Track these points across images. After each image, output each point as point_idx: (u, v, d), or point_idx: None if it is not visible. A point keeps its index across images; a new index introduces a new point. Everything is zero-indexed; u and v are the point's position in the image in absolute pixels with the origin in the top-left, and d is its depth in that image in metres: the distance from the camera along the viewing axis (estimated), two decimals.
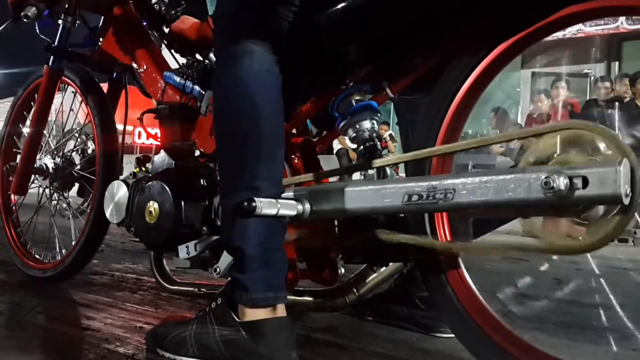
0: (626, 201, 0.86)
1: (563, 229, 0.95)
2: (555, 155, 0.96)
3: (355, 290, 1.46)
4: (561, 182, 0.88)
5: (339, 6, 1.19)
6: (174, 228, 1.36)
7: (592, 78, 7.58)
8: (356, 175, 1.31)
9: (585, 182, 0.88)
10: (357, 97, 1.26)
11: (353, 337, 1.45)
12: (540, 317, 1.76)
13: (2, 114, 2.43)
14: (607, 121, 5.58)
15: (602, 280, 1.83)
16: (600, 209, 0.91)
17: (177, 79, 1.60)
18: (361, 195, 1.11)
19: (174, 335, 1.15)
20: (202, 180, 1.41)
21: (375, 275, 1.47)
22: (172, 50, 1.80)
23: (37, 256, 2.04)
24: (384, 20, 1.16)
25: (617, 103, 5.84)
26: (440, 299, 1.14)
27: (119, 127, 1.90)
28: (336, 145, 7.74)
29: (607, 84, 6.36)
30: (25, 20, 1.80)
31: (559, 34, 1.06)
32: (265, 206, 1.08)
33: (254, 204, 1.06)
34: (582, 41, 7.73)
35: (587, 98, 6.69)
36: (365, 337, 1.46)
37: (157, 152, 1.54)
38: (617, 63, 7.88)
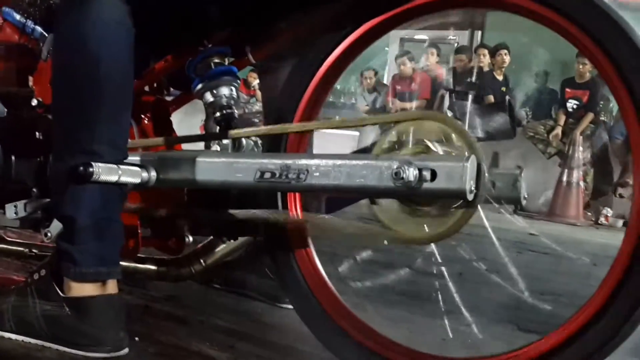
0: (470, 197, 0.89)
1: (409, 218, 0.96)
2: (408, 143, 0.96)
3: (202, 261, 1.41)
4: (410, 174, 0.88)
5: None
6: (1, 184, 1.22)
7: (456, 46, 7.88)
8: None
9: (434, 175, 0.89)
10: (217, 60, 1.19)
11: (196, 307, 1.41)
12: (386, 288, 1.81)
13: None
14: (464, 88, 5.86)
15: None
16: (447, 202, 0.93)
17: (17, 16, 1.42)
18: (212, 167, 1.06)
19: None
20: (37, 134, 1.27)
21: (224, 245, 1.42)
22: None
23: None
24: None
25: (475, 73, 6.16)
26: (285, 277, 1.13)
27: None
28: None
29: (463, 56, 6.66)
30: None
31: None
32: (104, 172, 0.99)
33: (90, 170, 0.97)
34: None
35: (450, 65, 6.98)
36: (208, 307, 1.42)
37: None
38: (479, 32, 8.22)
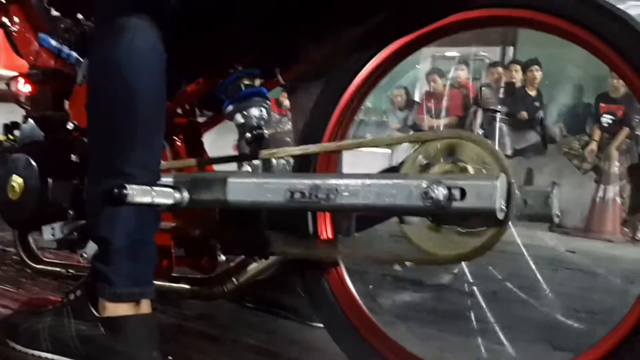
0: (500, 216, 0.88)
1: (439, 237, 0.96)
2: (437, 162, 0.96)
3: (234, 279, 1.42)
4: (440, 193, 0.88)
5: None
6: (39, 207, 1.25)
7: (487, 62, 7.83)
8: None
9: (463, 194, 0.88)
10: (247, 82, 1.20)
11: (228, 326, 1.41)
12: (416, 305, 1.80)
13: None
14: (496, 105, 5.81)
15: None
16: (477, 220, 0.92)
17: (53, 42, 1.47)
18: (243, 187, 1.07)
19: (28, 327, 1.06)
20: (73, 157, 1.30)
21: (256, 264, 1.43)
22: (53, 9, 1.66)
23: None
24: (277, 3, 1.11)
25: (508, 89, 6.09)
26: (316, 295, 1.13)
27: None
28: None
29: (495, 72, 6.61)
30: None
31: None
32: (138, 194, 1.01)
33: (124, 192, 0.98)
34: None
35: (482, 81, 6.93)
36: (240, 326, 1.42)
37: (25, 121, 1.41)
38: (512, 48, 8.17)
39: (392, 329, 1.10)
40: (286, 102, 7.66)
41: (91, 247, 1.20)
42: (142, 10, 1.06)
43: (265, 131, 1.20)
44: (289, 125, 7.40)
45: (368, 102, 1.21)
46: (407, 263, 1.01)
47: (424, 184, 0.89)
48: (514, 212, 0.90)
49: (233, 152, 1.25)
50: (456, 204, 0.88)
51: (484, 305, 1.22)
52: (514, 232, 0.91)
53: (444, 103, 6.55)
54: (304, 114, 1.21)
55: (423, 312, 1.70)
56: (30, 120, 1.39)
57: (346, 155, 1.31)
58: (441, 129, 5.97)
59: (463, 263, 0.99)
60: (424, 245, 0.96)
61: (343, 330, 1.09)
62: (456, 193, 0.88)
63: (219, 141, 2.26)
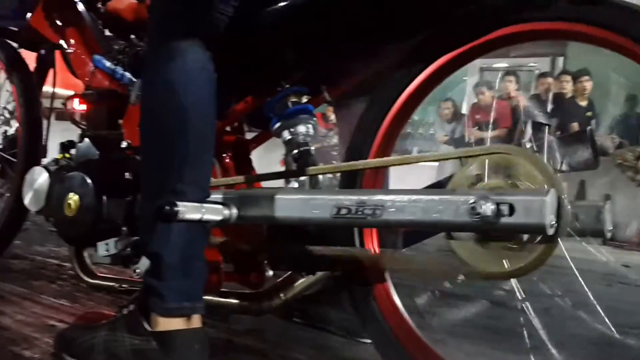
0: (550, 231, 0.86)
1: (488, 253, 0.95)
2: (485, 177, 0.95)
3: (281, 295, 1.43)
4: (488, 208, 0.87)
5: (280, 5, 1.15)
6: (94, 224, 1.29)
7: (537, 73, 7.70)
8: None
9: (512, 210, 0.87)
10: (294, 99, 1.22)
11: (276, 341, 1.42)
12: (468, 321, 1.77)
13: None
14: (546, 118, 5.70)
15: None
16: (526, 236, 0.91)
17: (107, 63, 1.52)
18: (290, 204, 1.08)
19: (83, 341, 1.09)
20: (126, 175, 1.34)
21: (303, 280, 1.44)
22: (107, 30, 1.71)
23: None
24: (325, 22, 1.13)
25: (558, 99, 5.98)
26: (363, 311, 1.13)
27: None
28: None
29: (549, 79, 6.49)
30: None
31: None
32: (189, 211, 1.03)
33: (176, 209, 1.00)
34: None
35: (531, 93, 6.82)
36: (288, 341, 1.43)
37: (80, 140, 1.46)
38: (561, 58, 8.03)
39: (441, 345, 1.09)
40: (332, 117, 7.71)
41: (144, 263, 1.23)
42: (193, 34, 1.09)
43: (312, 147, 1.21)
44: (335, 139, 7.44)
45: (414, 115, 1.21)
46: (457, 278, 1.00)
47: (472, 200, 0.88)
48: (564, 227, 0.88)
49: (280, 168, 1.27)
50: (505, 220, 0.87)
51: (536, 322, 1.19)
52: (563, 248, 0.90)
53: (492, 115, 6.47)
54: (350, 129, 1.22)
55: (473, 328, 1.68)
56: (86, 139, 1.45)
57: (393, 168, 1.31)
58: (489, 141, 5.89)
59: (513, 280, 0.97)
60: (473, 261, 0.95)
61: (390, 347, 1.09)
62: (504, 209, 0.87)
63: (265, 157, 2.29)
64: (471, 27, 1.01)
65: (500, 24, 0.98)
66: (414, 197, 0.95)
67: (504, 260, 0.93)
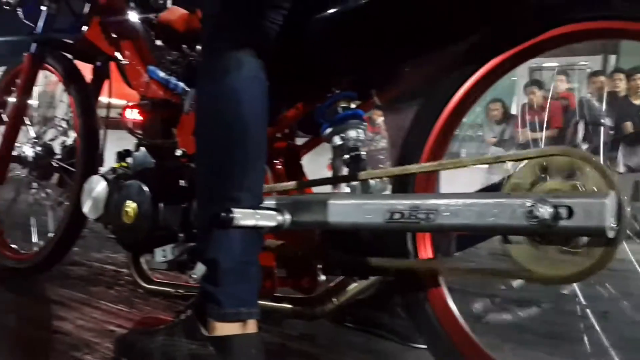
0: (611, 234, 0.84)
1: (546, 257, 0.93)
2: (541, 180, 0.94)
3: (334, 300, 1.43)
4: (545, 212, 0.86)
5: (329, 12, 1.16)
6: (151, 230, 1.32)
7: (589, 71, 7.50)
8: None
9: (570, 213, 0.85)
10: (344, 104, 1.23)
11: (329, 346, 1.43)
12: (522, 327, 1.74)
13: None
14: (600, 116, 5.53)
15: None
16: (585, 239, 0.89)
17: (162, 74, 1.56)
18: (343, 209, 1.08)
19: (142, 346, 1.12)
20: (182, 182, 1.37)
21: (355, 285, 1.44)
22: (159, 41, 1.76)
23: (13, 246, 2.00)
24: (375, 28, 1.13)
25: (611, 98, 5.81)
26: (418, 316, 1.12)
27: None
28: None
29: (602, 78, 6.31)
30: (6, 7, 1.75)
31: None
32: (244, 217, 1.05)
33: (231, 215, 1.02)
34: None
35: (583, 92, 6.65)
36: (341, 346, 1.43)
37: (137, 149, 1.50)
38: (614, 56, 7.80)
39: (496, 350, 1.07)
40: (379, 120, 7.69)
41: (200, 269, 1.25)
42: (245, 43, 1.11)
43: (363, 152, 1.21)
44: (382, 143, 7.42)
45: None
46: (514, 283, 0.99)
47: (529, 203, 0.87)
48: (625, 230, 0.86)
49: (327, 173, 1.27)
50: (563, 223, 0.86)
51: (596, 326, 1.16)
52: (628, 250, 0.87)
53: (544, 115, 6.32)
54: (400, 133, 1.22)
55: (529, 333, 1.65)
56: (142, 148, 1.48)
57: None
58: (541, 142, 5.76)
59: (573, 284, 0.95)
60: (530, 265, 0.93)
61: (445, 352, 1.08)
62: (563, 212, 0.85)
63: (313, 162, 2.30)
64: (525, 27, 0.99)
65: (554, 24, 0.96)
66: (469, 200, 0.94)
67: (562, 264, 0.91)
